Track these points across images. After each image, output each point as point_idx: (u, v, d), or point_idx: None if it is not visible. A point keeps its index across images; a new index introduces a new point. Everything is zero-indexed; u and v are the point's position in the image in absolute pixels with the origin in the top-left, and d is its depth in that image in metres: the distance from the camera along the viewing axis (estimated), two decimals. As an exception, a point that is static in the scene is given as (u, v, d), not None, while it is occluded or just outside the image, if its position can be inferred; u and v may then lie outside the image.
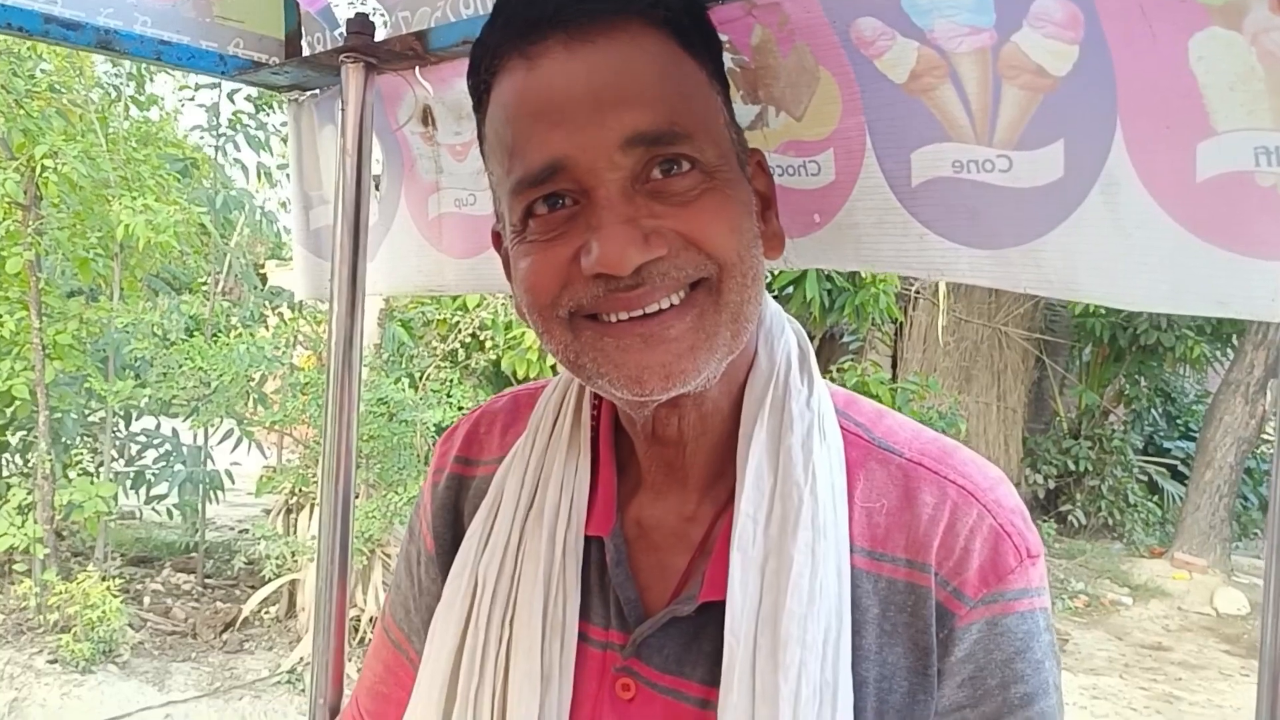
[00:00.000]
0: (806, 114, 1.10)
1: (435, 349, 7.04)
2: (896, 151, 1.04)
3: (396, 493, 5.95)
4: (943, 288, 9.28)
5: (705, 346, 0.81)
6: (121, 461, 6.97)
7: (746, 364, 0.92)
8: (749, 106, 1.13)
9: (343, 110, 1.52)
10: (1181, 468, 12.14)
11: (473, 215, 1.60)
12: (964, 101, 0.97)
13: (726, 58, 0.95)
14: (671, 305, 0.81)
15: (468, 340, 7.13)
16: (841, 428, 0.92)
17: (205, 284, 7.57)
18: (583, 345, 0.83)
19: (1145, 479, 12.11)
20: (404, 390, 6.37)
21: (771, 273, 7.43)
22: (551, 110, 0.80)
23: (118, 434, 6.91)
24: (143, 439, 7.11)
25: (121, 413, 6.83)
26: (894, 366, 10.71)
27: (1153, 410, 12.97)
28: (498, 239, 0.96)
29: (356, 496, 5.75)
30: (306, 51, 1.64)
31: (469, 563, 0.97)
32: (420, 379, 6.85)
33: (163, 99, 6.88)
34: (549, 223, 0.82)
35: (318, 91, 1.76)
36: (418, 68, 1.52)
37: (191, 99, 6.73)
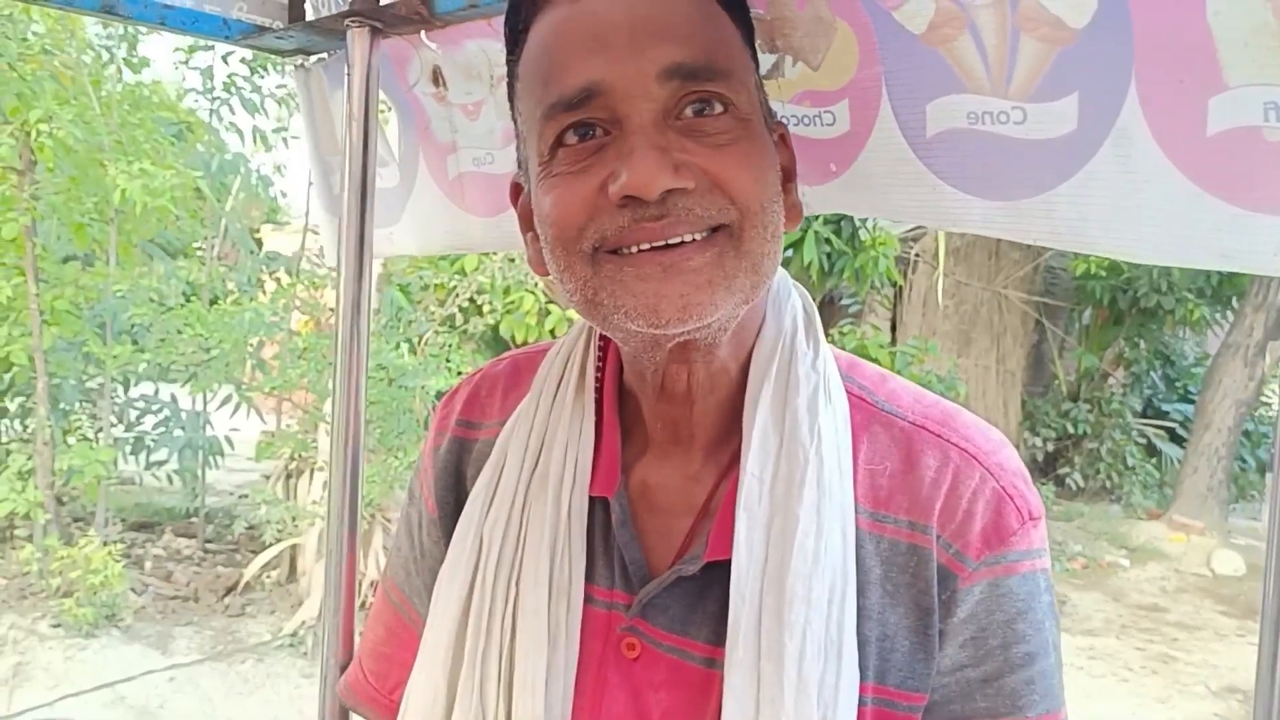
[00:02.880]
0: (824, 64, 1.09)
1: (433, 314, 7.01)
2: (912, 102, 1.04)
3: (396, 458, 5.95)
4: (942, 250, 9.24)
5: (724, 285, 0.81)
6: (121, 427, 6.97)
7: (755, 327, 0.93)
8: (765, 55, 1.12)
9: (348, 75, 1.50)
10: (1180, 430, 12.17)
11: (493, 174, 1.60)
12: (981, 53, 0.97)
13: None
14: (694, 239, 0.81)
15: (466, 305, 7.10)
16: (846, 391, 0.92)
17: (201, 249, 7.54)
18: (602, 280, 0.83)
19: (1144, 442, 12.14)
20: (403, 356, 6.36)
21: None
22: (591, 37, 0.81)
23: (116, 400, 6.91)
24: (141, 405, 7.10)
25: (120, 378, 6.83)
26: (893, 330, 10.71)
27: (1152, 373, 12.98)
28: (515, 192, 0.95)
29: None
30: (310, 15, 1.61)
31: (473, 525, 0.97)
32: (419, 344, 6.83)
33: (153, 61, 6.82)
34: (578, 153, 0.82)
35: (324, 56, 1.73)
36: (424, 31, 1.50)
37: (185, 62, 6.64)
